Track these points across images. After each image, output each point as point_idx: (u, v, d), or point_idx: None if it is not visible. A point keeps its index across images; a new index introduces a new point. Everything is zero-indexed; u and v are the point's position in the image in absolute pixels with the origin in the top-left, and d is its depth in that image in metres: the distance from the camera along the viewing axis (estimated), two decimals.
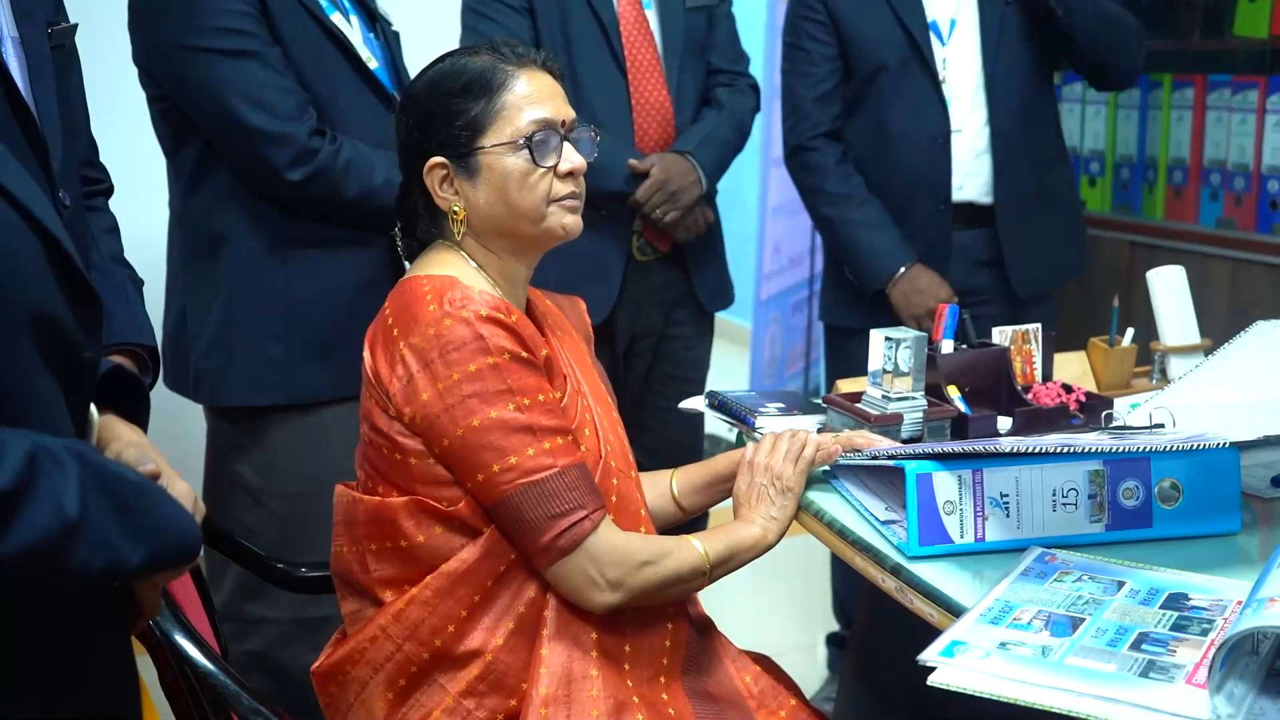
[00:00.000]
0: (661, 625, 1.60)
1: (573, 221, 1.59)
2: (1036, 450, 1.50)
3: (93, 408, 1.25)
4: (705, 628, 1.69)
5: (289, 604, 2.16)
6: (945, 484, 1.51)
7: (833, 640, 3.04)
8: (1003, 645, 1.28)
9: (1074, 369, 2.13)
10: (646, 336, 2.55)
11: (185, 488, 1.26)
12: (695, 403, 2.07)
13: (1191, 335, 2.14)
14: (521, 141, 1.53)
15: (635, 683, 1.56)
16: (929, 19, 2.61)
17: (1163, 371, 2.14)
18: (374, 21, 2.28)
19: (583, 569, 1.48)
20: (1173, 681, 1.20)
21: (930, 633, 1.97)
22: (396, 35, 2.31)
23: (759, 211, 4.57)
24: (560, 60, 1.70)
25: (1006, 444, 1.50)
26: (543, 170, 1.54)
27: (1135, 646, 1.27)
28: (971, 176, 2.64)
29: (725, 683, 1.65)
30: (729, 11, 2.64)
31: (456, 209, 1.55)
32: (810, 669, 3.06)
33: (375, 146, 2.14)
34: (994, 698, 1.20)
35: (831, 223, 2.70)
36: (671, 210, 2.42)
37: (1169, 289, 2.14)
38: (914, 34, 2.60)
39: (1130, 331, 2.12)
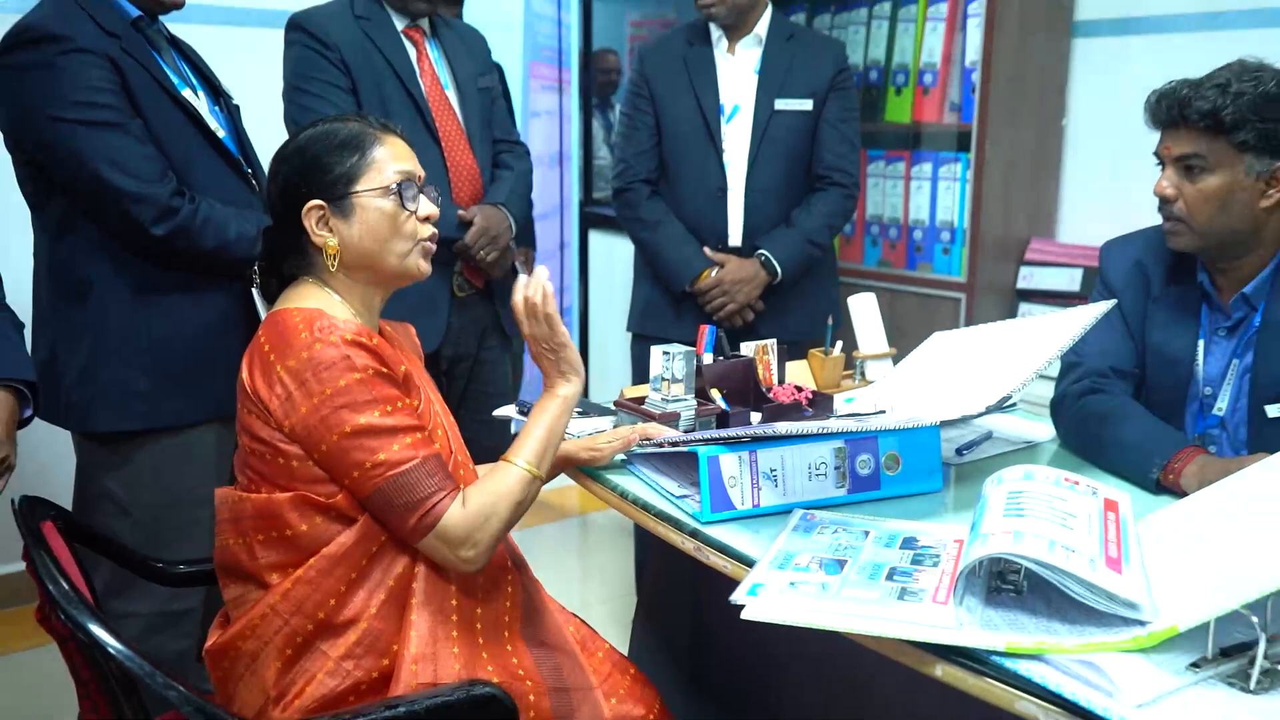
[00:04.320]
0: (504, 590, 1.58)
1: (426, 266, 1.57)
2: (797, 433, 1.57)
3: None
4: (535, 588, 1.68)
5: (154, 599, 2.01)
6: (729, 463, 1.55)
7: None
8: (792, 584, 1.32)
9: (800, 373, 2.22)
10: (464, 360, 2.52)
11: None
12: (507, 410, 2.05)
13: (882, 345, 2.26)
14: (392, 188, 1.50)
15: (485, 641, 1.53)
16: (719, 104, 2.72)
17: (863, 374, 2.26)
18: (218, 96, 2.17)
19: (441, 546, 1.44)
20: (921, 601, 1.27)
21: (704, 585, 2.04)
22: (237, 108, 2.20)
23: None
24: None
25: (782, 428, 1.55)
26: (408, 213, 1.52)
27: (889, 578, 1.33)
28: (737, 225, 2.74)
29: (555, 632, 1.63)
30: (501, 93, 2.65)
31: (331, 244, 1.49)
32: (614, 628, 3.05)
33: (226, 204, 2.03)
34: (794, 625, 1.24)
35: (647, 242, 2.77)
36: (492, 252, 2.40)
37: (864, 310, 2.26)
38: (706, 114, 2.71)
39: (840, 344, 2.23)
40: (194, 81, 2.10)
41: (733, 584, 1.35)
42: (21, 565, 1.44)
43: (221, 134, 2.08)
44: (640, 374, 2.75)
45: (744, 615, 1.26)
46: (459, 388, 2.50)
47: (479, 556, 1.46)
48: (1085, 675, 1.10)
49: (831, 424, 1.59)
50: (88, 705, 1.42)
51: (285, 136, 2.38)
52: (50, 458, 2.42)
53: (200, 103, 2.07)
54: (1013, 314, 3.12)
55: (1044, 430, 1.94)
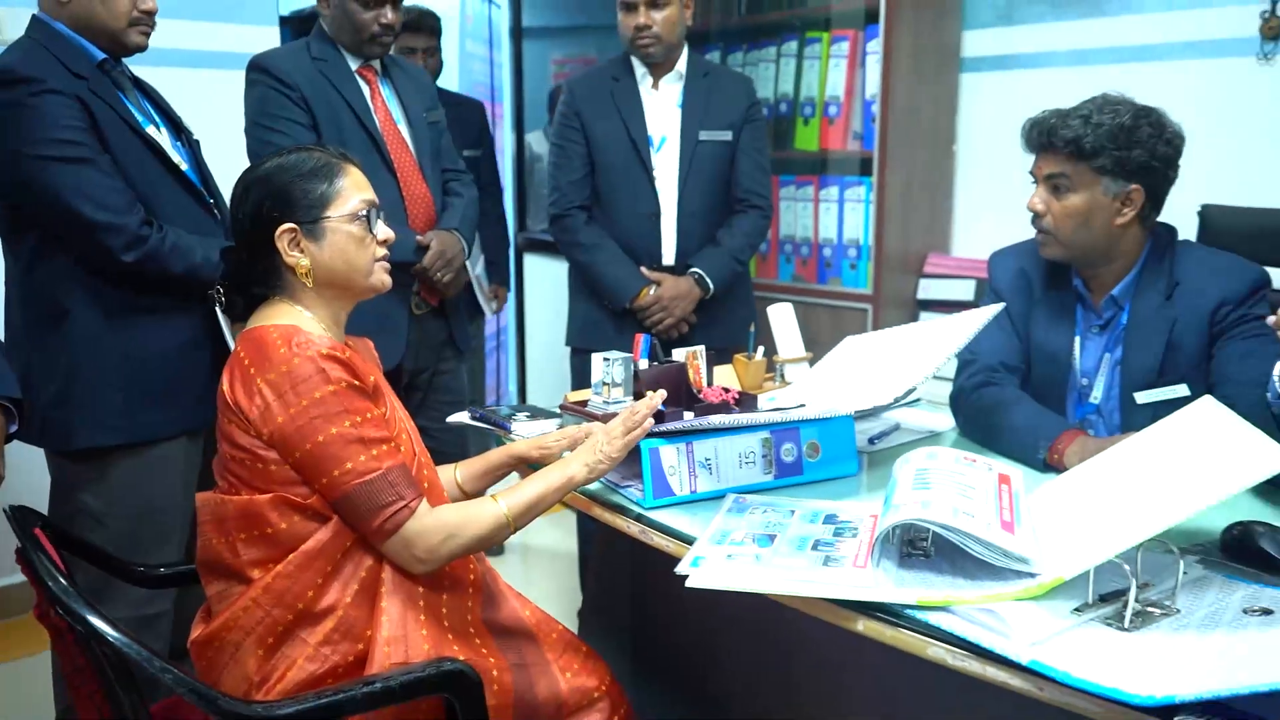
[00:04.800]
0: (467, 580, 1.66)
1: (388, 280, 1.67)
2: (730, 425, 1.69)
3: None
4: (493, 577, 1.76)
5: (128, 605, 2.05)
6: (669, 454, 1.67)
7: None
8: (729, 556, 1.44)
9: (726, 377, 2.35)
10: (422, 372, 2.60)
11: None
12: (461, 417, 2.14)
13: (799, 350, 2.40)
14: (359, 214, 1.60)
15: (450, 625, 1.61)
16: (648, 134, 2.85)
17: (782, 376, 2.39)
18: (179, 132, 2.23)
19: (401, 549, 1.53)
20: (843, 566, 1.40)
21: (643, 575, 2.14)
22: (197, 143, 2.27)
23: None
24: None
25: (716, 420, 1.68)
26: (371, 237, 1.62)
27: (814, 548, 1.46)
28: (670, 246, 2.88)
29: (512, 616, 1.72)
30: (445, 127, 2.75)
31: (303, 264, 1.58)
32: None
33: (191, 232, 2.10)
34: (733, 590, 1.36)
35: (586, 265, 2.87)
36: (448, 273, 2.50)
37: (782, 319, 2.40)
38: (636, 143, 2.83)
39: (761, 349, 2.36)
40: (157, 119, 2.18)
41: (672, 565, 1.45)
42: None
43: (184, 167, 2.15)
44: (580, 384, 2.86)
45: (688, 584, 1.37)
46: (418, 398, 2.59)
47: (429, 566, 1.55)
48: (986, 622, 1.24)
49: (759, 416, 1.71)
50: (83, 695, 1.47)
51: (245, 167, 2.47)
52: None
53: (163, 138, 2.14)
54: (915, 322, 3.30)
55: (944, 421, 2.09)
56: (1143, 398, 1.88)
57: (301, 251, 1.58)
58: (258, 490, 1.53)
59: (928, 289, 3.29)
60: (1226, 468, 1.26)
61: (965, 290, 3.22)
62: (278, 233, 1.57)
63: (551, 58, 4.88)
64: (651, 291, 2.81)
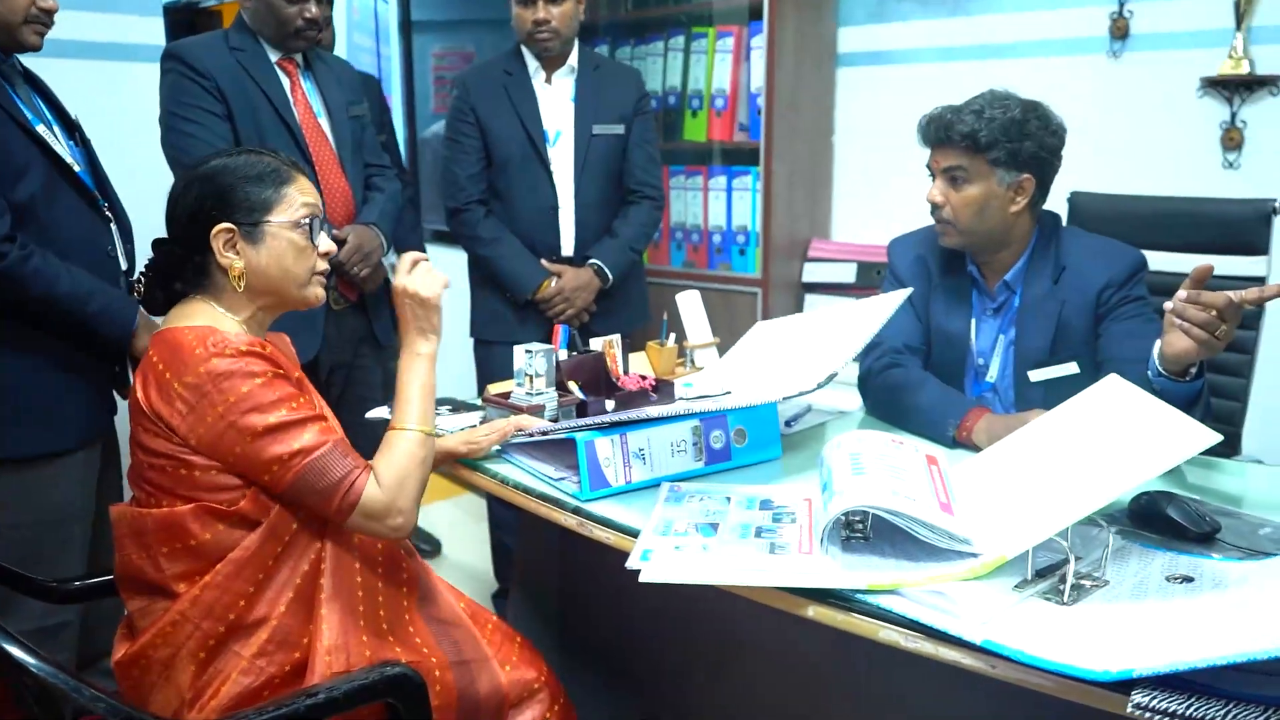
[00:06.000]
0: (401, 575, 1.54)
1: (322, 294, 1.52)
2: (660, 415, 1.61)
3: None
4: (425, 570, 1.64)
5: (29, 617, 1.85)
6: (604, 446, 1.58)
7: (496, 593, 3.02)
8: (677, 548, 1.36)
9: (639, 363, 2.26)
10: (340, 368, 2.43)
11: None
12: (380, 412, 1.99)
13: (708, 336, 2.33)
14: (302, 222, 1.45)
15: (390, 626, 1.49)
16: (544, 129, 2.71)
17: (692, 361, 2.32)
18: (73, 131, 2.00)
19: (367, 521, 1.40)
20: (789, 553, 1.33)
21: (570, 561, 2.05)
22: (89, 142, 2.04)
23: None
24: None
25: (653, 411, 1.59)
26: (312, 247, 1.47)
27: (757, 536, 1.39)
28: (569, 238, 2.75)
29: (448, 608, 1.61)
30: (369, 121, 2.57)
31: (237, 266, 1.42)
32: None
33: (83, 238, 1.89)
34: (688, 583, 1.28)
35: (487, 259, 2.72)
36: (365, 268, 2.32)
37: (690, 306, 2.33)
38: (533, 137, 2.69)
39: (672, 336, 2.29)
40: (49, 117, 1.94)
41: (602, 553, 1.37)
42: None
43: (78, 168, 1.92)
44: (485, 375, 2.73)
45: (641, 579, 1.29)
46: (335, 393, 2.41)
47: (406, 521, 1.43)
48: (935, 603, 1.19)
49: (695, 405, 1.63)
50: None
51: (147, 166, 2.24)
52: None
53: (56, 139, 1.90)
54: (801, 305, 3.28)
55: (851, 401, 2.06)
56: (1036, 376, 1.88)
57: (237, 253, 1.42)
58: (179, 498, 1.38)
59: (812, 273, 3.27)
60: (1156, 445, 1.24)
61: (847, 273, 3.21)
62: (214, 231, 1.41)
63: (431, 51, 4.67)
64: (553, 283, 2.69)
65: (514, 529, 2.80)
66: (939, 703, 1.44)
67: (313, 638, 1.40)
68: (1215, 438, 1.20)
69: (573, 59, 2.75)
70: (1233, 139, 2.70)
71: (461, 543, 3.26)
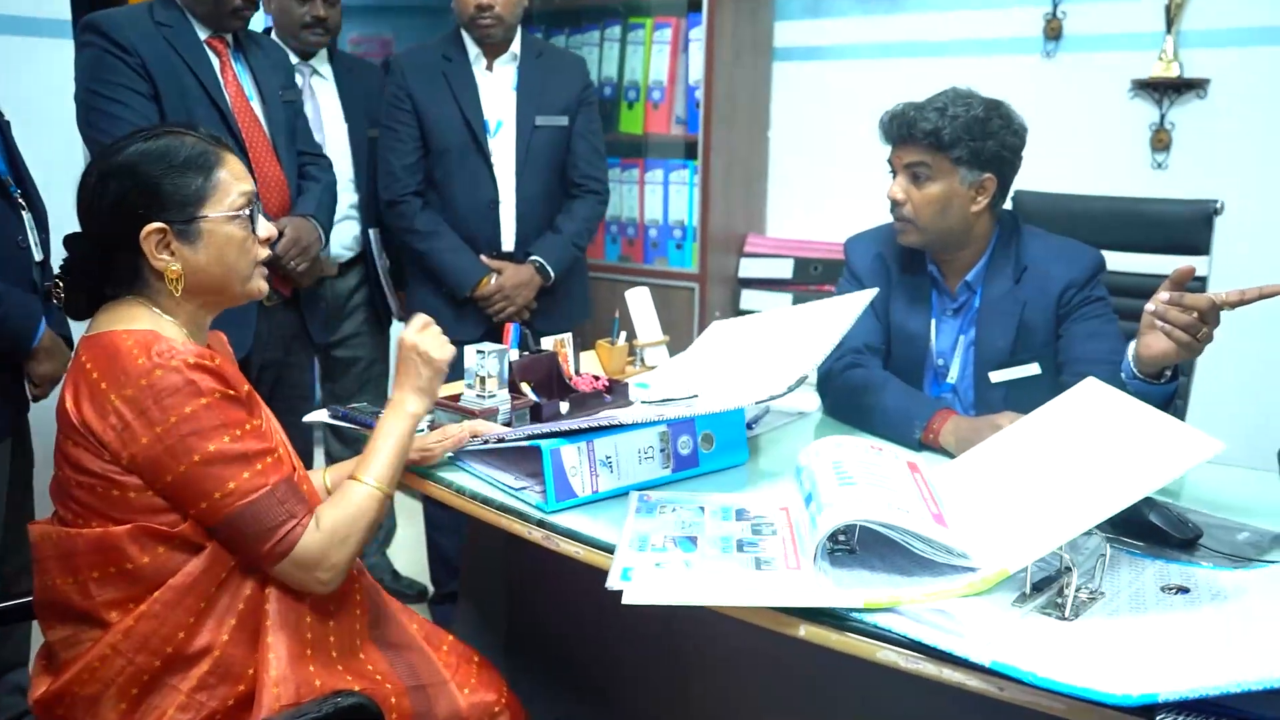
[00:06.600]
0: (353, 599, 1.41)
1: (265, 286, 1.38)
2: (626, 422, 1.51)
3: None
4: (377, 590, 1.52)
5: None
6: (570, 454, 1.47)
7: (434, 599, 2.87)
8: (657, 565, 1.27)
9: (588, 362, 2.16)
10: (270, 366, 2.25)
11: None
12: (319, 415, 1.85)
13: (657, 334, 2.24)
14: (241, 213, 1.30)
15: (340, 654, 1.36)
16: (484, 119, 2.56)
17: (643, 360, 2.23)
18: None
19: (296, 571, 1.27)
20: (776, 569, 1.25)
21: (515, 569, 1.94)
22: (8, 124, 1.83)
23: None
24: None
25: (625, 416, 1.49)
26: (252, 238, 1.32)
27: (740, 549, 1.31)
28: (510, 233, 2.61)
29: (401, 631, 1.49)
30: (302, 107, 2.39)
31: (174, 269, 1.26)
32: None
33: None
34: (676, 605, 1.18)
35: (424, 253, 2.56)
36: (303, 262, 2.15)
37: (640, 303, 2.23)
38: (473, 127, 2.54)
39: (624, 334, 2.19)
40: None
41: (557, 561, 1.28)
42: None
43: None
44: None
45: (625, 600, 1.19)
46: (265, 392, 2.23)
47: (334, 579, 1.30)
48: (938, 622, 1.12)
49: (667, 411, 1.54)
50: None
51: (64, 148, 2.03)
52: None
53: None
54: (738, 300, 3.21)
55: (809, 402, 1.99)
56: (997, 376, 1.84)
57: (172, 254, 1.27)
58: (112, 520, 1.22)
59: (748, 268, 3.21)
60: (1156, 455, 1.20)
61: (784, 269, 3.16)
62: (144, 233, 1.25)
63: (349, 37, 4.46)
64: (493, 280, 2.56)
65: (451, 531, 2.67)
66: (900, 705, 1.38)
67: (259, 668, 1.27)
68: (1219, 446, 1.16)
69: (515, 45, 2.62)
70: (1161, 140, 2.73)
71: (396, 546, 3.10)
